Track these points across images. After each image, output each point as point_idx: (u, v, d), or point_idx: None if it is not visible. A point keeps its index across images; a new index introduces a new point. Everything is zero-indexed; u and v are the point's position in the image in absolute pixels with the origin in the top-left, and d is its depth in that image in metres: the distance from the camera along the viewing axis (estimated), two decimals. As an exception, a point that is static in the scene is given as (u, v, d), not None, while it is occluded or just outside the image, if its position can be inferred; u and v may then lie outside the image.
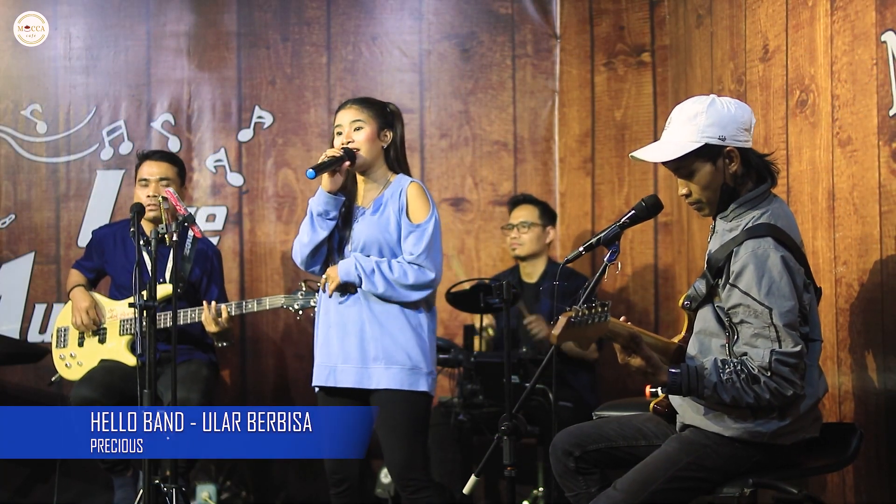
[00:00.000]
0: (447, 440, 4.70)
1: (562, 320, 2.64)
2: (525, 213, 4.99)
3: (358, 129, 3.63)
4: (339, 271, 3.62)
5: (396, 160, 3.71)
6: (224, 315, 4.23)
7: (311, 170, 3.52)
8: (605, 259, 2.97)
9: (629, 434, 3.06)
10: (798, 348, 2.74)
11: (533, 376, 3.20)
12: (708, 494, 2.90)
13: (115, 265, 4.62)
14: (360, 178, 3.72)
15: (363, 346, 3.60)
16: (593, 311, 2.68)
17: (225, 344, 4.39)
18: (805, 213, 3.58)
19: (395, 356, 3.57)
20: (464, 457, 4.72)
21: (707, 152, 2.86)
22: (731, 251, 2.82)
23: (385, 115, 3.69)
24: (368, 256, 3.60)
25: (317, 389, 3.73)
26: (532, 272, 5.02)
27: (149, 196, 4.42)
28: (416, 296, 3.58)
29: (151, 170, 4.49)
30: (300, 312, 4.19)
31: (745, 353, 2.77)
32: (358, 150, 3.61)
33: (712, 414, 2.86)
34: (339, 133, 3.66)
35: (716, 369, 2.75)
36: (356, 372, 3.60)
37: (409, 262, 3.57)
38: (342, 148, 3.61)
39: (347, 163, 3.58)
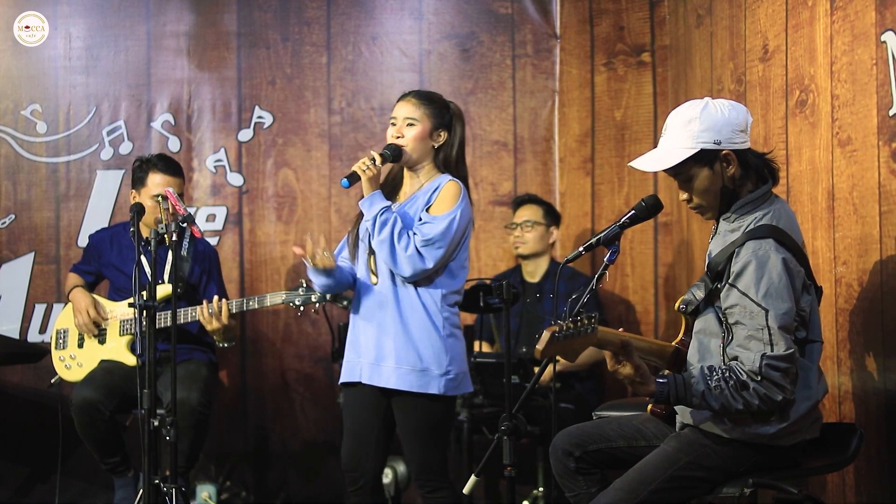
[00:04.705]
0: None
1: (546, 335, 2.62)
2: (529, 213, 5.00)
3: (410, 125, 3.60)
4: (366, 204, 3.58)
5: (445, 162, 3.66)
6: (224, 311, 4.21)
7: (344, 179, 3.56)
8: (605, 259, 2.97)
9: (629, 434, 3.06)
10: (789, 351, 2.73)
11: (533, 376, 3.19)
12: (707, 494, 2.90)
13: (112, 268, 4.62)
14: (405, 173, 3.71)
15: (380, 342, 3.59)
16: (579, 324, 2.65)
17: (226, 345, 4.38)
18: (805, 213, 3.57)
19: (406, 356, 3.55)
20: (464, 457, 4.72)
21: (703, 157, 2.86)
22: (732, 252, 2.82)
23: (443, 116, 3.64)
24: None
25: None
26: (534, 271, 5.03)
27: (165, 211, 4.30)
28: (403, 273, 3.53)
29: (166, 183, 4.37)
30: (301, 309, 4.19)
31: (737, 357, 2.76)
32: (405, 147, 3.61)
33: (712, 415, 2.86)
34: (393, 124, 3.64)
35: (703, 377, 2.74)
36: (370, 368, 3.61)
37: (416, 244, 3.52)
38: (384, 149, 3.60)
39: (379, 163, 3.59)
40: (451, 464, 4.69)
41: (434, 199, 3.59)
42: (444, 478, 3.65)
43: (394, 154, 3.59)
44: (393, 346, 3.56)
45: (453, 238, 3.55)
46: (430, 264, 3.52)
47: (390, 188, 3.73)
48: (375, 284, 3.63)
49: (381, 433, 3.66)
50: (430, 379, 3.54)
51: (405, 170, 3.70)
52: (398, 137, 3.61)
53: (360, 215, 3.70)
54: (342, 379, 3.71)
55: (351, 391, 3.69)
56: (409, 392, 3.55)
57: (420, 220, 3.57)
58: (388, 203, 3.58)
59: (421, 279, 3.56)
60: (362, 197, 3.61)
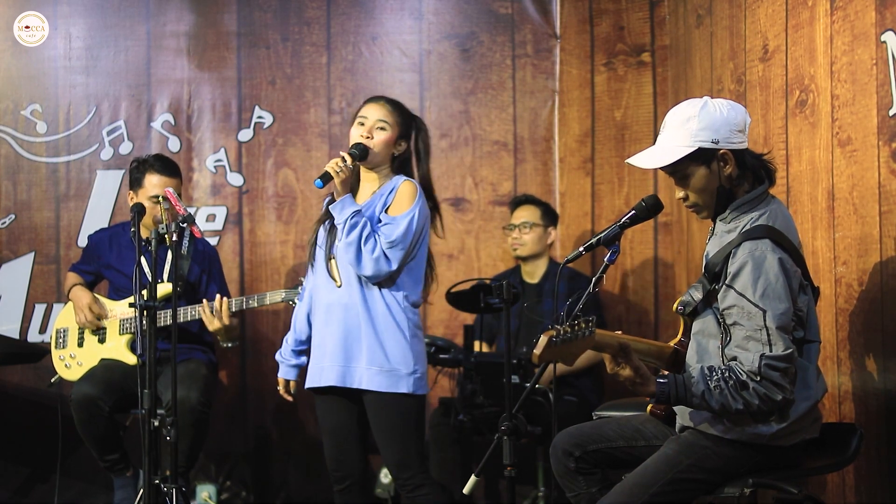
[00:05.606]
0: (447, 440, 4.70)
1: (543, 340, 2.61)
2: (527, 214, 5.00)
3: (381, 128, 3.67)
4: (337, 207, 3.60)
5: (401, 167, 3.75)
6: (224, 309, 4.20)
7: (318, 180, 3.57)
8: (606, 259, 2.97)
9: (629, 434, 3.06)
10: (788, 351, 2.73)
11: (533, 376, 3.19)
12: (708, 495, 2.90)
13: (111, 268, 4.62)
14: (362, 174, 3.75)
15: (347, 344, 3.62)
16: (576, 327, 2.65)
17: (230, 344, 4.36)
18: (805, 213, 3.58)
19: (374, 357, 3.59)
20: (464, 457, 4.72)
21: (701, 156, 2.86)
22: (729, 253, 2.82)
23: (408, 127, 3.74)
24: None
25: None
26: (533, 272, 5.03)
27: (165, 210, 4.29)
28: (365, 274, 3.57)
29: (163, 184, 4.39)
30: None
31: (735, 357, 2.76)
32: (372, 148, 3.65)
33: (711, 416, 2.86)
34: (362, 124, 3.68)
35: (703, 377, 2.74)
36: (339, 370, 3.63)
37: (382, 246, 3.57)
38: (352, 149, 3.63)
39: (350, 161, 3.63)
40: (451, 464, 4.70)
41: (391, 199, 3.64)
42: (425, 474, 3.68)
43: (361, 154, 3.64)
44: (361, 348, 3.60)
45: (413, 238, 3.61)
46: (394, 266, 3.57)
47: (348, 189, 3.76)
48: (339, 287, 3.65)
49: (359, 433, 3.71)
50: (398, 378, 3.59)
51: (362, 171, 3.74)
52: (367, 138, 3.65)
53: (319, 221, 3.75)
54: (308, 384, 3.73)
55: (322, 397, 3.73)
56: (380, 392, 3.59)
57: (380, 221, 3.61)
58: (359, 207, 3.62)
59: (384, 281, 3.61)
60: (332, 199, 3.65)
